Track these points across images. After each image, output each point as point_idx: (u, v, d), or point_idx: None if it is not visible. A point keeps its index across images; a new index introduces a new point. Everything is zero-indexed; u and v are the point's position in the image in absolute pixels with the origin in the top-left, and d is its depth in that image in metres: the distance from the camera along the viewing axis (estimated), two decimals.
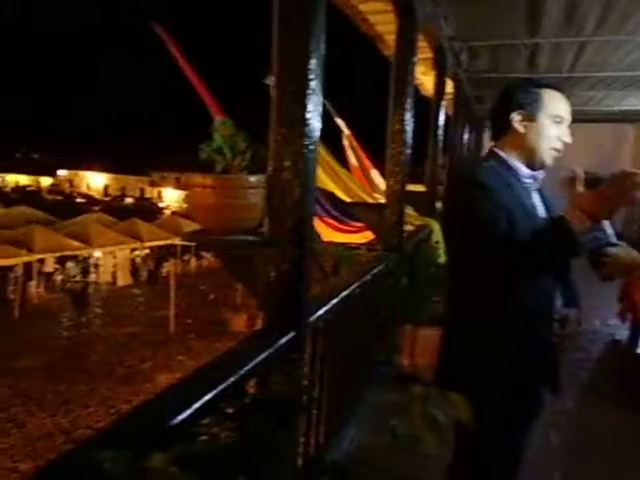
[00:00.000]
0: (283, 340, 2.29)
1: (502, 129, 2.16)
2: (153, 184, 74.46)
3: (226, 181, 2.35)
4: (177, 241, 29.83)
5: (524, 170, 2.12)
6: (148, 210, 56.25)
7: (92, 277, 25.10)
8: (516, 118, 2.09)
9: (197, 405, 1.62)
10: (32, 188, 76.34)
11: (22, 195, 64.72)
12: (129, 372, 15.15)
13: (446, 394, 1.98)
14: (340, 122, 8.88)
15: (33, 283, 22.09)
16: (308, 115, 2.27)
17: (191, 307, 22.12)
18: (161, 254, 30.40)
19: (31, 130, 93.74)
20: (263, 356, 2.09)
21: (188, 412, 1.58)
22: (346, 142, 8.92)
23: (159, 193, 73.93)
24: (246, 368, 1.95)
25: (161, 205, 67.05)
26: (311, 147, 2.33)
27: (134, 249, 28.23)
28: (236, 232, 2.43)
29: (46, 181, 79.12)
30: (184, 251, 30.72)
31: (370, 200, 6.69)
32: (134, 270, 27.44)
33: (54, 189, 76.17)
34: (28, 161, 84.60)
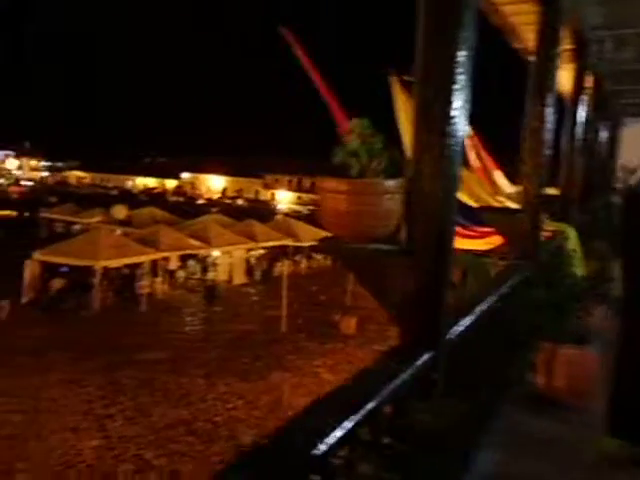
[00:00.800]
0: (422, 359, 2.10)
1: None
2: (267, 186, 77.19)
3: (362, 186, 2.20)
4: (290, 242, 30.72)
5: None
6: (262, 211, 58.51)
7: (210, 275, 26.43)
8: None
9: (338, 434, 1.48)
10: (158, 190, 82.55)
11: (149, 197, 70.20)
12: (244, 369, 15.67)
13: None
14: None
15: (159, 279, 23.62)
16: (454, 113, 2.05)
17: (302, 307, 22.52)
18: (274, 254, 31.41)
19: (159, 136, 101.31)
20: (403, 377, 1.91)
21: (329, 441, 1.45)
22: (467, 141, 8.48)
23: (272, 195, 76.46)
24: (385, 391, 1.78)
25: (274, 206, 69.38)
26: (456, 149, 2.12)
27: (249, 249, 29.44)
28: (369, 240, 2.28)
29: (171, 184, 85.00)
30: (296, 252, 31.50)
31: (495, 203, 6.25)
32: (249, 269, 28.49)
33: (178, 191, 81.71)
34: (156, 165, 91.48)
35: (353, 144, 2.23)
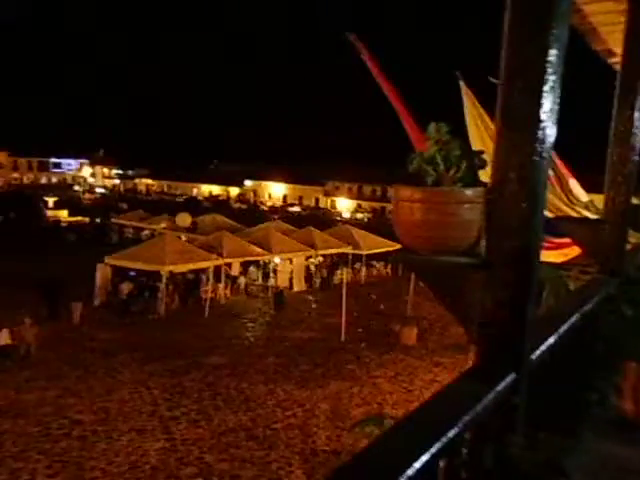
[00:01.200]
0: (503, 383, 1.93)
1: None
2: (327, 194, 77.52)
3: (439, 194, 2.07)
4: (349, 250, 30.65)
5: None
6: (322, 219, 58.85)
7: (271, 281, 26.74)
8: None
9: (417, 466, 1.36)
10: (222, 197, 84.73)
11: (213, 204, 72.14)
12: (303, 376, 15.68)
13: None
14: None
15: (221, 285, 24.10)
16: (543, 117, 1.89)
17: (361, 316, 22.35)
18: (333, 262, 31.41)
19: (223, 143, 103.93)
20: (485, 402, 1.76)
21: (409, 473, 1.33)
22: None
23: (332, 202, 76.71)
24: (467, 417, 1.64)
25: (334, 214, 69.57)
26: (544, 154, 1.95)
27: (309, 256, 29.60)
28: (446, 252, 2.14)
29: (234, 191, 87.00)
30: (355, 260, 31.39)
31: (572, 213, 5.92)
32: (308, 276, 28.61)
33: (240, 198, 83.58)
34: (220, 172, 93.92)
35: (430, 151, 2.11)
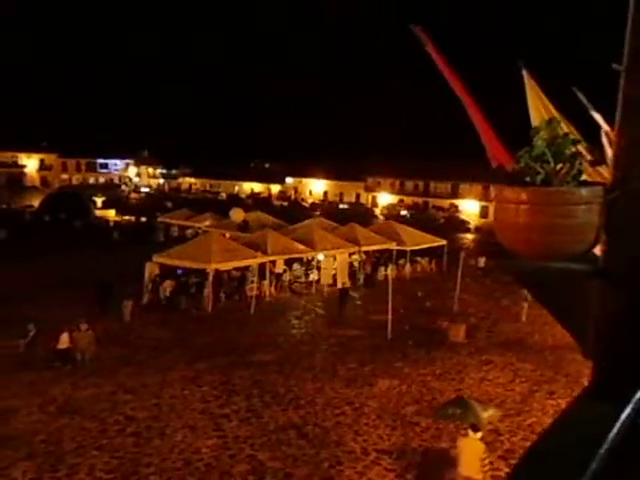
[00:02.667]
0: (631, 404, 1.74)
1: None
2: (368, 189, 77.04)
3: (551, 195, 1.89)
4: (393, 246, 30.32)
5: None
6: (363, 215, 58.53)
7: (314, 278, 26.69)
8: None
9: None
10: (263, 195, 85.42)
11: (255, 201, 72.79)
12: (350, 374, 15.55)
13: None
14: (597, 117, 7.72)
15: (266, 282, 24.20)
16: None
17: (407, 313, 22.04)
18: (377, 258, 31.13)
19: (264, 141, 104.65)
20: (617, 426, 1.58)
21: None
22: (605, 140, 7.72)
23: (373, 198, 76.18)
24: (604, 446, 1.46)
25: (375, 210, 69.12)
26: None
27: (352, 253, 29.40)
28: (555, 257, 1.96)
29: (275, 188, 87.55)
30: (399, 256, 31.02)
31: None
32: (352, 273, 28.42)
33: (281, 195, 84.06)
34: (260, 170, 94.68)
35: (539, 147, 1.92)
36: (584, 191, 1.89)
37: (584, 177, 1.94)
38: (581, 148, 1.92)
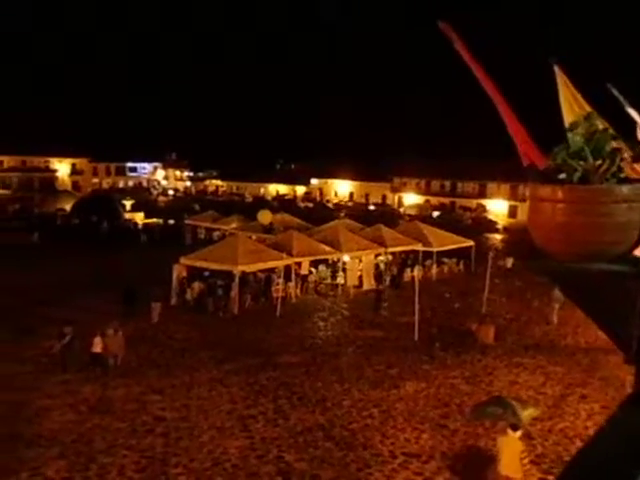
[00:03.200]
0: None
1: None
2: (394, 190, 76.49)
3: (591, 193, 1.81)
4: (419, 247, 30.02)
5: None
6: (389, 215, 58.17)
7: (340, 280, 26.60)
8: None
9: None
10: (289, 196, 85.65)
11: (280, 203, 73.01)
12: (377, 376, 15.44)
13: None
14: (633, 113, 7.49)
15: (292, 284, 24.22)
16: None
17: (435, 315, 21.82)
18: (403, 259, 30.86)
19: (288, 142, 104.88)
20: None
21: None
22: None
23: (399, 199, 75.62)
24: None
25: (402, 211, 68.62)
26: None
27: (378, 254, 29.23)
28: (593, 258, 1.88)
29: (300, 190, 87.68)
30: (425, 257, 30.69)
31: None
32: (378, 274, 28.23)
33: (307, 197, 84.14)
34: (286, 172, 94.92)
35: (577, 143, 1.84)
36: (625, 189, 1.80)
37: (624, 174, 1.86)
38: (621, 143, 1.83)
